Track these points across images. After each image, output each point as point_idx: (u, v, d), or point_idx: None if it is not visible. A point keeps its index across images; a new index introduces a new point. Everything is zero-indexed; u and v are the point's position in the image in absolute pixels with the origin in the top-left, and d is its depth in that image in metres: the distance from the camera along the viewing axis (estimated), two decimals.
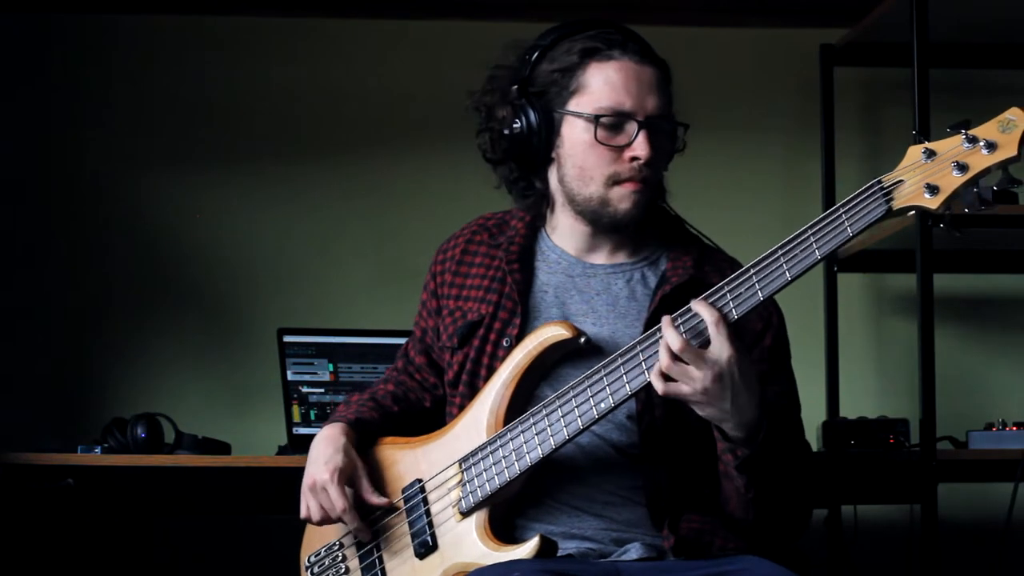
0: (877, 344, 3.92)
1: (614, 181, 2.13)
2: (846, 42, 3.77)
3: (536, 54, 2.18)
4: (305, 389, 3.44)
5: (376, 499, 2.19)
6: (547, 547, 2.04)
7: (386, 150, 3.89)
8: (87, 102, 3.87)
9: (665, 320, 1.96)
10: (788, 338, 2.18)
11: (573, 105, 2.15)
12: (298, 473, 2.26)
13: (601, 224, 2.17)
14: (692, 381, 1.93)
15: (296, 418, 3.43)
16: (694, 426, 2.08)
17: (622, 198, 2.14)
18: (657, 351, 1.97)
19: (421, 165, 3.87)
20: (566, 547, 2.08)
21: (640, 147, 2.11)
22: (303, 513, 2.21)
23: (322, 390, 3.43)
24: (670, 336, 1.94)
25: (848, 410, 3.59)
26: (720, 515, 2.11)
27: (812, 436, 2.90)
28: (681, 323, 1.96)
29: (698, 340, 1.95)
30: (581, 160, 2.15)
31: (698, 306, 1.95)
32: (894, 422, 3.31)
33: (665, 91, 2.15)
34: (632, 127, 2.12)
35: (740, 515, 2.07)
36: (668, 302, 2.10)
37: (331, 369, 3.46)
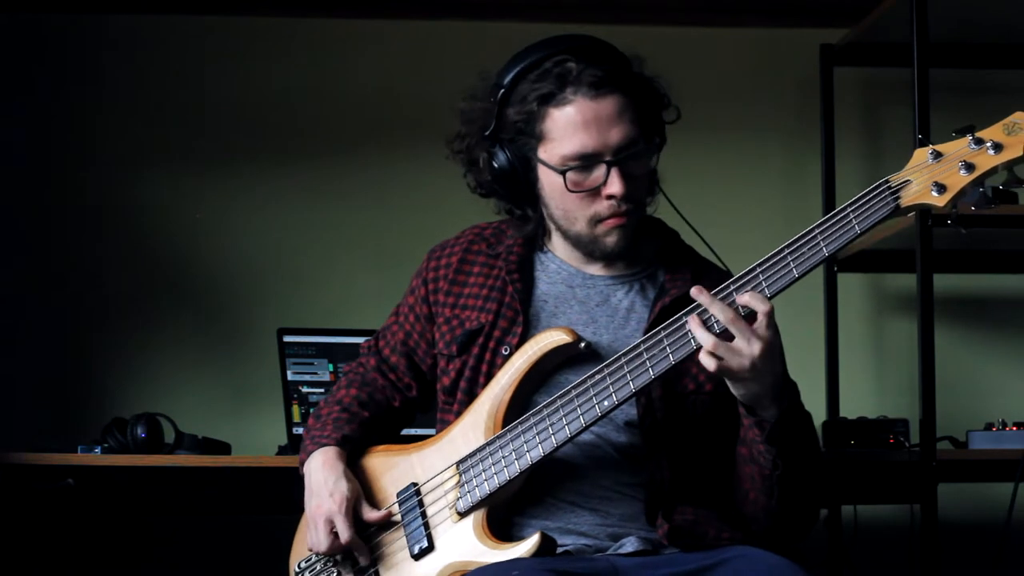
0: (877, 344, 3.92)
1: (597, 221, 2.15)
2: (846, 42, 3.77)
3: (501, 94, 2.17)
4: (305, 389, 3.44)
5: (374, 515, 2.18)
6: (546, 545, 2.04)
7: (386, 150, 3.88)
8: (85, 103, 3.86)
9: (704, 295, 1.97)
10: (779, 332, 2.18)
11: (542, 152, 2.15)
12: (298, 473, 2.26)
13: (595, 256, 2.20)
14: (741, 356, 1.94)
15: (296, 418, 3.43)
16: (695, 425, 2.11)
17: (608, 234, 2.16)
18: (660, 350, 1.99)
19: (421, 165, 3.84)
20: (563, 542, 2.08)
21: (614, 185, 2.12)
22: (310, 543, 2.19)
23: (322, 390, 3.43)
24: (718, 309, 1.95)
25: (848, 410, 3.59)
26: (720, 508, 2.11)
27: None
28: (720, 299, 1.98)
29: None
30: (561, 204, 2.17)
31: (735, 289, 1.96)
32: (894, 422, 3.31)
33: (628, 115, 2.12)
34: (601, 168, 2.12)
35: (763, 502, 2.07)
36: (667, 314, 2.10)
37: (331, 369, 3.46)
